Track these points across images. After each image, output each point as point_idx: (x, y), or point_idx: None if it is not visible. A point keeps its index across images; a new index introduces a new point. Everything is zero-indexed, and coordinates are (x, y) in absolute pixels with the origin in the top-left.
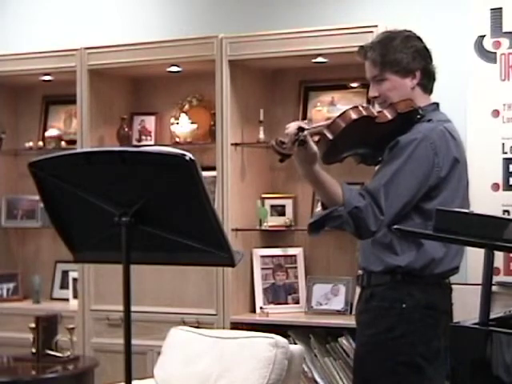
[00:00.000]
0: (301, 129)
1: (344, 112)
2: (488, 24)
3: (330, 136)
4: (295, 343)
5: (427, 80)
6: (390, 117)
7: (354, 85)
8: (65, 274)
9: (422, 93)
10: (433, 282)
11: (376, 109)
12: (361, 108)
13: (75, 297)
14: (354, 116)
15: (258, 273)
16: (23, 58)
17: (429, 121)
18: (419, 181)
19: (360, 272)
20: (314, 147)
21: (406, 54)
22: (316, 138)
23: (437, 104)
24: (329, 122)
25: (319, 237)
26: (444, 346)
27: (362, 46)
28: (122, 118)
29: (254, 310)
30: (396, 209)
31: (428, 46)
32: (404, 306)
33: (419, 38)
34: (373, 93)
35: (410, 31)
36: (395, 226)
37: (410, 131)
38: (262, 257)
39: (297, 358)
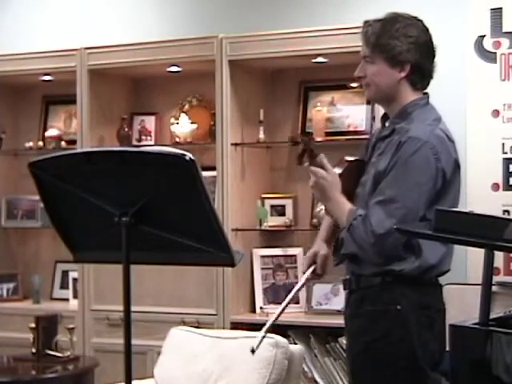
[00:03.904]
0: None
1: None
2: (488, 24)
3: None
4: (295, 343)
5: (418, 76)
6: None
7: (354, 85)
8: (65, 274)
9: (410, 88)
10: (424, 282)
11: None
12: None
13: (75, 297)
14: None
15: (258, 273)
16: (23, 58)
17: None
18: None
19: (347, 276)
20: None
21: (401, 43)
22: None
23: (427, 96)
24: None
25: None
26: (439, 345)
27: (366, 20)
28: (122, 118)
29: (253, 310)
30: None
31: (433, 43)
32: (399, 307)
33: (426, 31)
34: (358, 72)
35: (419, 20)
36: (395, 226)
37: (406, 131)
38: (262, 257)
39: (297, 357)
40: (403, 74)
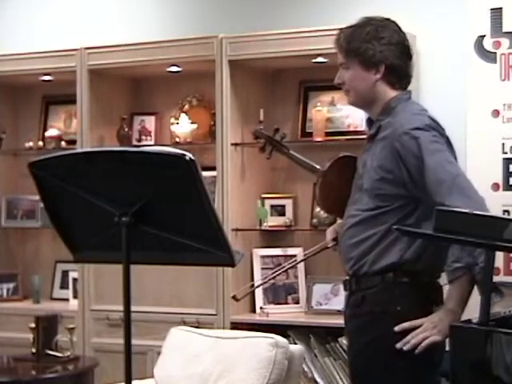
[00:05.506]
0: None
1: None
2: (488, 24)
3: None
4: (295, 343)
5: (394, 77)
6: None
7: None
8: (65, 273)
9: (389, 88)
10: (424, 282)
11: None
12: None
13: (75, 297)
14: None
15: (258, 273)
16: (23, 58)
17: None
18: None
19: (347, 277)
20: None
21: (373, 45)
22: None
23: (409, 91)
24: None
25: (320, 237)
26: (438, 346)
27: (340, 28)
28: (122, 118)
29: (254, 310)
30: None
31: (407, 43)
32: (399, 308)
33: (399, 31)
34: (337, 79)
35: (392, 22)
36: (395, 226)
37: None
38: (262, 257)
39: (297, 357)
40: (379, 76)
